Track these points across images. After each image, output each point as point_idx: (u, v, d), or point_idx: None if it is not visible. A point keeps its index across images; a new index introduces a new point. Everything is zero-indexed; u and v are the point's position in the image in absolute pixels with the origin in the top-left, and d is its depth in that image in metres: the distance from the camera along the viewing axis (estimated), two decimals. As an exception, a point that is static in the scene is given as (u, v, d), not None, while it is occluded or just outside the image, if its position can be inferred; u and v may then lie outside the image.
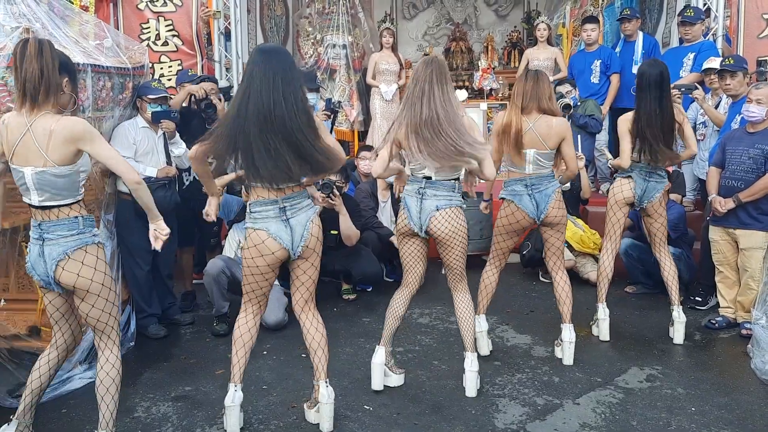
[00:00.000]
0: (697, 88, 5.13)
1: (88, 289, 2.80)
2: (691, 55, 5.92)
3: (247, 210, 3.02)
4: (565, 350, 3.94)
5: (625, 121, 4.18)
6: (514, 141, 3.76)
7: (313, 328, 3.20)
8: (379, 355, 3.59)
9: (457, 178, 3.46)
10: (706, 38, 6.03)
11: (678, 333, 4.23)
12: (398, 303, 3.60)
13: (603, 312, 4.30)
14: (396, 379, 3.66)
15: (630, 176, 4.23)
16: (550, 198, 3.82)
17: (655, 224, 4.29)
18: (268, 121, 2.84)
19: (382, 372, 3.60)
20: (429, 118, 3.26)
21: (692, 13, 5.93)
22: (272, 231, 2.96)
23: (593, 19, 6.93)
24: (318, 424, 3.21)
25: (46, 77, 2.66)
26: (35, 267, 2.79)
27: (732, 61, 4.93)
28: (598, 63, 6.64)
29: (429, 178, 3.40)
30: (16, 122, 2.71)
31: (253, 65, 2.91)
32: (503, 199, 3.94)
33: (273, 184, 2.92)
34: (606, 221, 4.39)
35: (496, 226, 4.01)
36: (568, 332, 3.94)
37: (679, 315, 4.23)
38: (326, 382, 3.16)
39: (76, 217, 2.80)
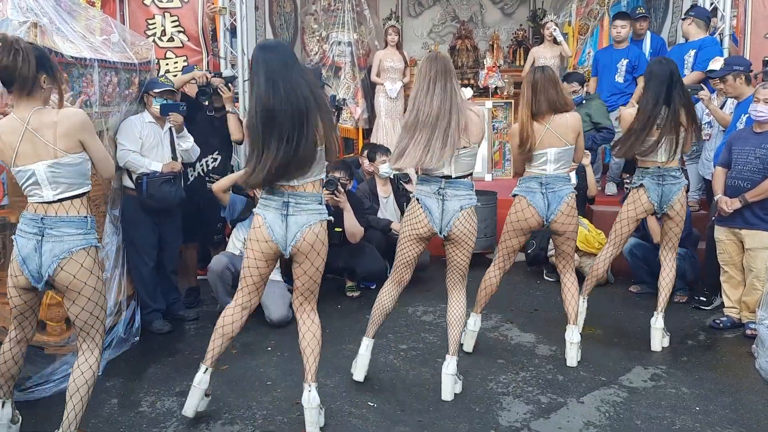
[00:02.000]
0: (702, 88, 5.12)
1: (80, 291, 2.78)
2: (692, 52, 5.88)
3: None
4: (568, 351, 3.93)
5: (629, 115, 4.13)
6: (529, 147, 3.79)
7: (305, 328, 3.16)
8: (366, 347, 3.64)
9: (471, 174, 3.47)
10: (713, 36, 6.00)
11: (654, 339, 4.13)
12: (389, 299, 3.61)
13: (581, 306, 4.27)
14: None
15: (642, 185, 4.11)
16: (562, 200, 3.80)
17: (673, 228, 4.16)
18: (271, 119, 2.85)
19: (367, 364, 3.66)
20: (433, 116, 3.27)
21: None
22: (268, 219, 2.97)
23: (625, 15, 6.62)
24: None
25: (19, 75, 2.66)
26: (27, 262, 2.73)
27: (723, 65, 4.93)
28: (624, 62, 6.43)
29: (448, 177, 3.38)
30: (9, 126, 2.70)
31: (256, 63, 2.91)
32: (515, 195, 3.94)
33: (270, 184, 2.94)
34: (614, 228, 4.30)
35: (505, 223, 3.99)
36: (570, 333, 3.93)
37: (656, 320, 4.12)
38: (309, 386, 3.10)
39: (86, 216, 2.81)
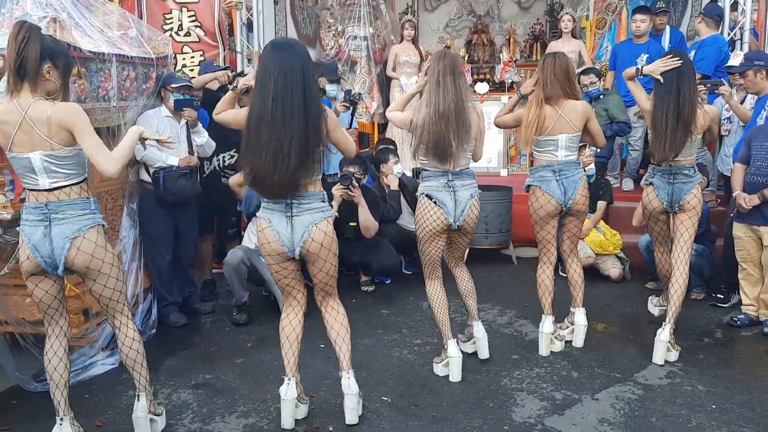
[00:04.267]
0: (723, 83, 5.06)
1: (99, 269, 2.85)
2: (692, 53, 5.81)
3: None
4: (578, 333, 4.02)
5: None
6: (539, 130, 3.81)
7: (332, 320, 3.20)
8: (453, 346, 3.66)
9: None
10: (733, 32, 5.93)
11: (657, 352, 3.84)
12: (443, 294, 3.69)
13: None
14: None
15: (652, 183, 4.03)
16: (577, 185, 3.85)
17: (684, 221, 3.91)
18: (285, 121, 2.77)
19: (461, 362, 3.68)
20: (443, 112, 3.35)
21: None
22: (273, 223, 2.93)
23: (645, 10, 6.50)
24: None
25: (21, 62, 2.66)
26: (39, 249, 2.74)
27: (743, 61, 4.88)
28: (644, 57, 6.24)
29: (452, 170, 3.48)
30: (8, 112, 2.70)
31: (267, 61, 2.82)
32: (529, 186, 3.94)
33: (276, 194, 2.89)
34: (648, 230, 4.32)
35: (530, 217, 3.97)
36: (581, 316, 4.03)
37: (662, 332, 3.85)
38: (348, 373, 3.15)
39: (88, 197, 2.84)
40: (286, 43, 2.96)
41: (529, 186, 3.94)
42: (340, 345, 3.17)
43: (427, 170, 3.54)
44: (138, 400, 3.07)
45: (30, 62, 2.67)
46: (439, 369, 3.71)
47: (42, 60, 2.69)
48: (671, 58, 3.84)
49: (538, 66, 3.88)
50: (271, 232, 2.93)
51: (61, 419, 2.91)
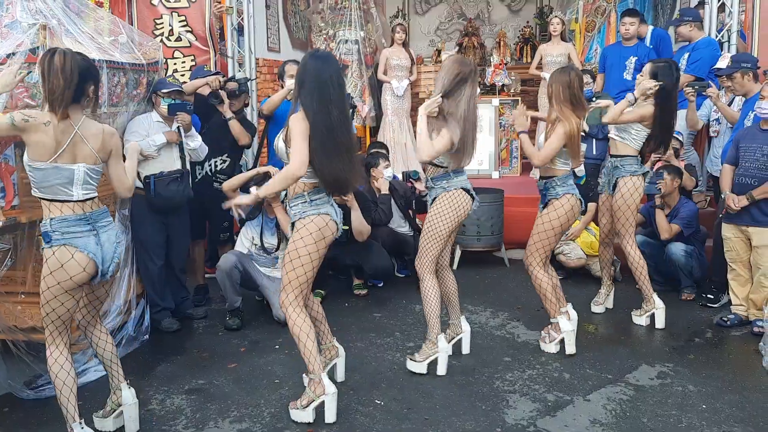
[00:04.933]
0: (710, 85, 5.11)
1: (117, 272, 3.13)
2: (687, 55, 5.87)
3: (305, 199, 3.14)
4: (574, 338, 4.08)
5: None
6: (577, 142, 3.89)
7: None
8: (443, 341, 3.79)
9: None
10: (721, 34, 5.98)
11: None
12: (438, 291, 3.76)
13: (659, 302, 4.45)
14: None
15: (646, 173, 4.42)
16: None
17: None
18: (345, 126, 3.11)
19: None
20: (470, 116, 3.54)
21: (679, 16, 5.96)
22: (332, 215, 3.20)
23: (633, 12, 6.56)
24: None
25: (75, 89, 2.85)
26: (97, 257, 2.90)
27: (730, 63, 4.94)
28: (633, 59, 6.34)
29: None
30: (61, 126, 2.84)
31: (321, 71, 3.05)
32: (565, 194, 3.94)
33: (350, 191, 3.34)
34: (621, 221, 4.43)
35: (557, 226, 3.95)
36: (572, 311, 4.13)
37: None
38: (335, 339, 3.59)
39: (104, 207, 3.05)
40: (330, 55, 3.34)
41: (559, 195, 3.94)
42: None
43: (449, 168, 3.63)
44: (122, 390, 3.18)
45: (83, 88, 2.89)
46: (423, 367, 3.74)
47: (86, 82, 2.91)
48: (654, 82, 4.24)
49: (554, 81, 3.93)
50: (334, 223, 3.21)
51: (81, 423, 2.98)
